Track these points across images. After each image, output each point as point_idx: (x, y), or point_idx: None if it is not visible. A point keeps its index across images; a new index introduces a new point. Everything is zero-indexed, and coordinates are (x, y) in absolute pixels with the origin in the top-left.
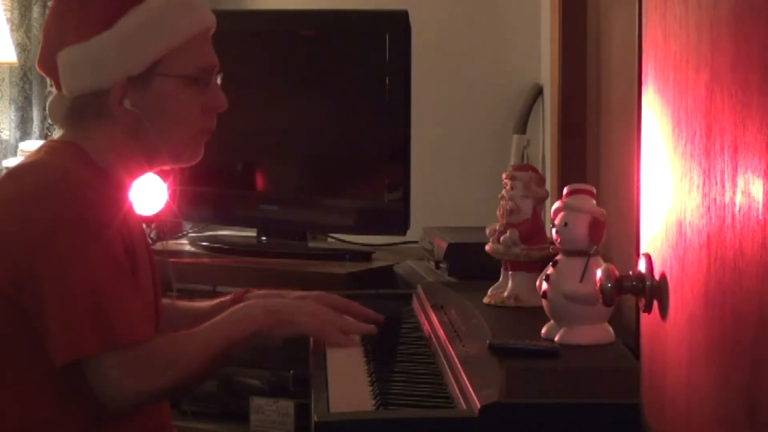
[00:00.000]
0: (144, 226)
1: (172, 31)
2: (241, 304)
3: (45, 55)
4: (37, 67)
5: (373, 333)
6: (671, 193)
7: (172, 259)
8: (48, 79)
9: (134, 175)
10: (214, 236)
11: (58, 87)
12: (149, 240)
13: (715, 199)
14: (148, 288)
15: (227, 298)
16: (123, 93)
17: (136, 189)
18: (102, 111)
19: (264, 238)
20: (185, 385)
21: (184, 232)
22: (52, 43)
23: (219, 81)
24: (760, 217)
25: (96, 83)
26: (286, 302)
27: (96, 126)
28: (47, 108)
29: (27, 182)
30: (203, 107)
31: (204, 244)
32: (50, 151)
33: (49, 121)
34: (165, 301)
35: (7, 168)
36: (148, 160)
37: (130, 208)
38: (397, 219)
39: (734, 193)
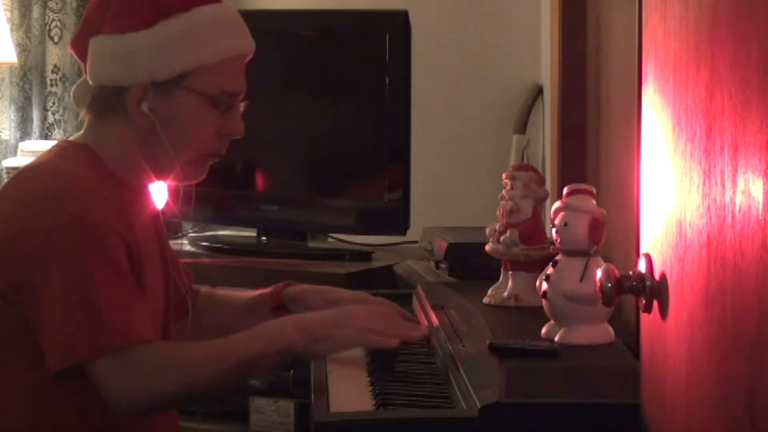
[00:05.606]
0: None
1: (209, 48)
2: (278, 320)
3: (80, 36)
4: (69, 47)
5: (428, 336)
6: (671, 193)
7: None
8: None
9: (146, 181)
10: (214, 236)
11: (86, 71)
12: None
13: (715, 199)
14: (158, 295)
15: (267, 291)
16: (143, 95)
17: (154, 194)
18: (120, 108)
19: (264, 238)
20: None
21: (184, 232)
22: (90, 26)
23: (242, 109)
24: (760, 217)
25: (119, 78)
26: (321, 316)
27: (114, 123)
28: (72, 92)
29: (30, 186)
30: (219, 130)
31: (204, 244)
32: (61, 152)
33: (49, 121)
34: (205, 288)
35: (6, 168)
36: (157, 169)
37: (141, 212)
38: (397, 219)
39: (734, 193)
